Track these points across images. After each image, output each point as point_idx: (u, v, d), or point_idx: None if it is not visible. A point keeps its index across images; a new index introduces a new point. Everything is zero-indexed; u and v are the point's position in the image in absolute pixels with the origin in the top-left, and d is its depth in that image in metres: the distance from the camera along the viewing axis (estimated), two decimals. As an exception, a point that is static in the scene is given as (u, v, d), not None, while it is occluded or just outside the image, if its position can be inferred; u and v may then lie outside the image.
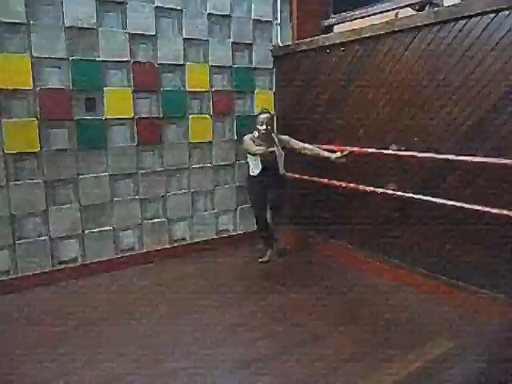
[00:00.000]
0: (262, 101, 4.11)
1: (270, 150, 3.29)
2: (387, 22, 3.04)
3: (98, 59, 3.27)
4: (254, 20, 4.00)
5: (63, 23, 3.12)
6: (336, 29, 4.07)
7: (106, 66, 3.33)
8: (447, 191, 2.77)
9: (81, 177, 3.33)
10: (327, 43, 3.54)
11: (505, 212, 2.45)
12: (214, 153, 3.96)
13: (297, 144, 3.48)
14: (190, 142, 3.81)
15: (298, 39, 4.04)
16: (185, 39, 3.64)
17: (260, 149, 3.29)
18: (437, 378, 2.11)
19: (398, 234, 3.19)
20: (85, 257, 3.44)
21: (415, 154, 2.90)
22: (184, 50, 3.65)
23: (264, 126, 3.36)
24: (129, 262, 3.61)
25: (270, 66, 4.16)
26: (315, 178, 3.72)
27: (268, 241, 3.73)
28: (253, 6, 3.99)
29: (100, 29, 3.25)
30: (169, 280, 3.34)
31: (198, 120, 3.82)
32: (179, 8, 3.59)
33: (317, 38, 3.67)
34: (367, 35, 3.18)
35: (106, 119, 3.37)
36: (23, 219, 3.17)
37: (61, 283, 3.28)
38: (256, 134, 3.43)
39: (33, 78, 3.06)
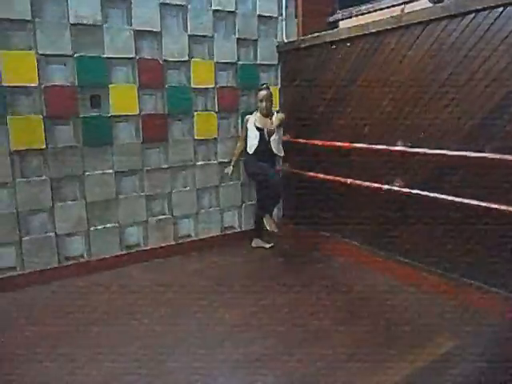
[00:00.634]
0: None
1: (269, 127, 3.56)
2: (393, 17, 3.01)
3: (103, 56, 3.27)
4: (259, 16, 3.98)
5: (68, 20, 3.12)
6: (341, 24, 4.04)
7: (111, 63, 3.32)
8: (452, 188, 2.75)
9: (86, 174, 3.34)
10: (333, 39, 3.52)
11: (510, 209, 2.42)
12: (219, 149, 3.95)
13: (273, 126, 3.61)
14: (195, 139, 3.81)
15: (303, 35, 4.02)
16: (190, 36, 3.63)
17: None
18: (438, 377, 2.09)
19: (401, 231, 3.17)
20: (90, 253, 3.45)
21: (421, 150, 2.87)
22: (189, 46, 3.64)
23: (264, 104, 3.56)
24: (134, 258, 3.62)
25: (275, 62, 4.15)
26: (319, 175, 3.71)
27: (265, 209, 3.71)
28: (258, 1, 3.96)
29: (105, 25, 3.25)
30: (172, 278, 3.34)
31: (203, 117, 3.81)
32: (184, 4, 3.58)
33: (322, 33, 3.65)
34: (373, 31, 3.16)
35: (111, 116, 3.37)
36: (29, 216, 3.18)
37: (66, 280, 3.29)
38: (256, 111, 3.65)
39: (38, 75, 3.06)
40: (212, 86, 3.81)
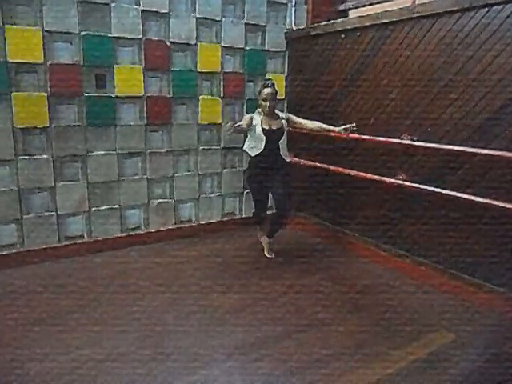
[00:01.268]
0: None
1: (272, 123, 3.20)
2: (405, 8, 2.97)
3: (109, 35, 3.23)
4: (268, 1, 3.92)
5: (76, -3, 3.08)
6: (351, 13, 4.00)
7: (118, 43, 3.29)
8: (456, 183, 2.74)
9: (89, 154, 3.33)
10: (342, 28, 3.48)
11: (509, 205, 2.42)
12: (222, 135, 3.93)
13: (297, 120, 3.31)
14: (199, 124, 3.78)
15: (312, 23, 3.98)
16: (198, 18, 3.58)
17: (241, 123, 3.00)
18: (437, 369, 2.11)
19: (402, 225, 3.17)
20: (91, 234, 3.45)
21: (427, 144, 2.86)
22: (196, 29, 3.59)
23: (268, 103, 3.15)
24: (134, 241, 3.62)
25: (283, 49, 4.10)
26: (323, 165, 3.70)
27: (264, 227, 3.49)
28: (268, -13, 3.92)
29: (112, 4, 3.20)
30: (173, 261, 3.36)
31: (208, 102, 3.78)
32: (193, -14, 3.53)
33: (332, 22, 3.61)
34: (383, 21, 3.12)
35: (115, 97, 3.34)
36: (31, 194, 3.17)
37: (66, 259, 3.30)
38: (260, 110, 3.25)
39: (44, 52, 3.03)
40: (218, 70, 3.77)
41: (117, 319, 2.50)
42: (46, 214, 3.25)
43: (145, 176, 3.62)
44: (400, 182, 3.06)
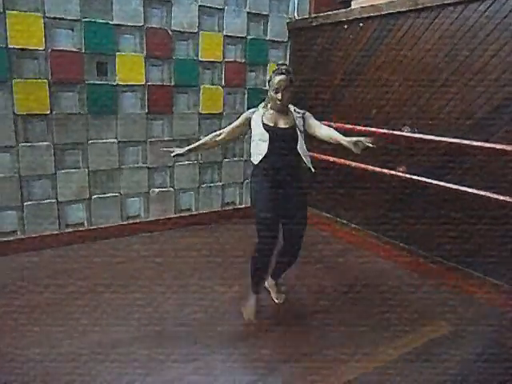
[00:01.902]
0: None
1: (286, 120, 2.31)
2: (409, -1, 2.96)
3: (111, 23, 3.21)
4: (271, -10, 3.90)
5: (77, -17, 3.05)
6: (354, 4, 3.96)
7: (120, 31, 3.27)
8: (457, 176, 2.75)
9: (90, 142, 3.33)
10: (345, 18, 3.46)
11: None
12: (223, 125, 3.91)
13: (312, 122, 2.40)
14: (201, 113, 3.78)
15: (315, 13, 3.95)
16: (200, 6, 3.56)
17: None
18: (433, 360, 2.14)
19: (402, 217, 3.19)
20: (91, 222, 3.47)
21: (428, 137, 2.86)
22: (199, 17, 3.57)
23: (280, 95, 2.27)
24: (134, 229, 3.64)
25: (285, 39, 4.08)
26: (323, 156, 3.70)
27: (260, 280, 2.46)
28: (271, -25, 3.89)
29: (114, -9, 3.19)
30: (173, 250, 3.37)
31: (210, 91, 3.77)
32: (196, -26, 3.50)
33: (335, 12, 3.59)
34: (387, 12, 3.11)
35: (117, 85, 3.33)
36: (32, 181, 3.18)
37: (66, 247, 3.32)
38: (267, 104, 2.40)
39: (45, 39, 3.01)
40: (220, 60, 3.76)
41: (116, 307, 2.52)
42: (47, 201, 3.26)
43: (145, 165, 3.62)
44: (400, 174, 3.07)
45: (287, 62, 4.13)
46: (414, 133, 2.95)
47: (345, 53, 3.51)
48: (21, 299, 2.56)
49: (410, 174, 3.01)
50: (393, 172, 3.12)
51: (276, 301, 2.64)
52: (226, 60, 3.79)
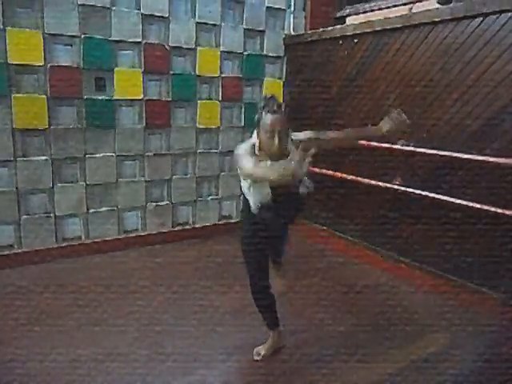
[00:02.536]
0: (271, 89, 4.10)
1: (286, 171, 1.60)
2: (402, 16, 3.03)
3: (109, 39, 3.26)
4: (267, 7, 3.96)
5: (76, 0, 3.10)
6: (349, 20, 4.05)
7: (118, 46, 3.32)
8: (452, 189, 2.78)
9: (88, 156, 3.35)
10: (340, 34, 3.52)
11: (508, 212, 2.46)
12: (220, 139, 3.96)
13: (325, 138, 2.20)
14: (198, 127, 3.81)
15: (310, 29, 4.02)
16: (197, 23, 3.62)
17: (268, 170, 1.73)
18: (435, 369, 2.14)
19: (398, 229, 3.21)
20: (88, 235, 3.47)
21: (423, 150, 2.90)
22: (196, 33, 3.63)
23: (276, 139, 1.85)
24: (132, 242, 3.64)
25: (281, 55, 4.14)
26: (320, 170, 3.73)
27: (271, 314, 2.25)
28: (267, -8, 3.96)
29: (113, 8, 3.23)
30: (171, 263, 3.37)
31: (207, 105, 3.81)
32: (193, -9, 3.57)
33: (330, 28, 3.65)
34: (380, 28, 3.17)
35: (115, 100, 3.37)
36: (29, 195, 3.18)
37: (64, 260, 3.31)
38: (256, 143, 1.96)
39: (44, 55, 3.05)
40: (217, 74, 3.81)
41: (116, 319, 2.52)
42: (44, 215, 3.26)
43: (143, 178, 3.64)
44: (396, 186, 3.10)
45: (283, 77, 4.18)
46: (409, 146, 2.99)
47: (340, 68, 3.57)
48: (17, 313, 2.54)
49: (405, 186, 3.04)
50: (388, 185, 3.15)
51: (279, 288, 2.42)
52: (223, 75, 3.84)
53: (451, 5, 2.74)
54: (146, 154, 3.60)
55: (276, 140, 1.85)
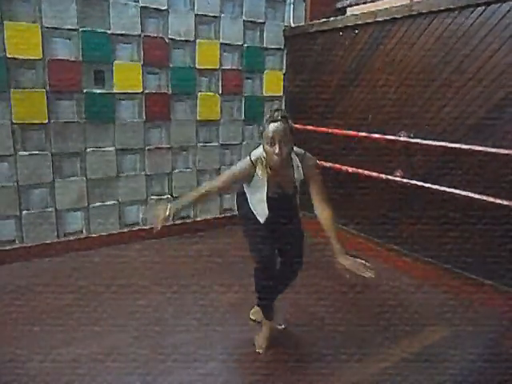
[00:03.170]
0: (272, 82, 4.08)
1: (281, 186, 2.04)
2: (403, 6, 2.99)
3: (108, 32, 3.24)
4: (267, -2, 3.93)
5: (74, -7, 3.08)
6: (349, 11, 4.01)
7: (117, 39, 3.29)
8: (455, 181, 2.77)
9: (88, 150, 3.34)
10: (340, 25, 3.49)
11: (510, 203, 2.44)
12: (221, 132, 3.94)
13: (318, 196, 2.12)
14: (198, 120, 3.79)
15: (310, 20, 3.99)
16: (196, 15, 3.59)
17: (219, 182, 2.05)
18: (433, 365, 2.13)
19: (400, 221, 3.20)
20: (90, 230, 3.47)
21: (424, 141, 2.88)
22: (195, 26, 3.60)
23: (277, 148, 1.87)
24: (133, 236, 3.63)
25: (281, 47, 4.11)
26: (320, 162, 3.71)
27: (269, 308, 2.28)
28: (267, -17, 3.92)
29: (111, 0, 3.20)
30: (172, 257, 3.37)
31: (207, 98, 3.79)
32: (192, -18, 3.53)
33: (330, 19, 3.62)
34: (381, 19, 3.14)
35: (114, 93, 3.35)
36: (30, 190, 3.18)
37: (65, 255, 3.31)
38: (262, 154, 1.99)
39: (42, 49, 3.03)
40: (216, 67, 3.78)
41: (116, 314, 2.52)
42: (45, 210, 3.26)
43: (143, 172, 3.63)
44: (397, 179, 3.09)
45: (284, 69, 4.15)
46: (410, 138, 2.97)
47: (341, 59, 3.54)
48: (18, 310, 2.54)
49: (407, 178, 3.03)
50: (390, 177, 3.13)
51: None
52: (223, 68, 3.81)
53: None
54: (147, 147, 3.59)
55: (277, 148, 1.86)
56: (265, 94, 4.08)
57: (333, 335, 2.36)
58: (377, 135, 3.19)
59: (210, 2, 3.62)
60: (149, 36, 3.41)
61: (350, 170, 3.43)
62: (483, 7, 2.52)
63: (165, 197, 3.75)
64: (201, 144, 3.86)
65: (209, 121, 3.85)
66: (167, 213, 1.94)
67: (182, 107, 3.71)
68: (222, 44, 3.76)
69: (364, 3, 3.81)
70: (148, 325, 2.42)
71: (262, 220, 2.11)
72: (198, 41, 3.63)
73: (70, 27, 3.09)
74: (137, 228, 3.68)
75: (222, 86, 3.83)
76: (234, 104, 3.97)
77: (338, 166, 3.54)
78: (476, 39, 2.59)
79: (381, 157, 3.25)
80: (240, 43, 3.86)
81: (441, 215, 2.91)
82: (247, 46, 3.90)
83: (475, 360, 2.14)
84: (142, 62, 3.42)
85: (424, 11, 2.83)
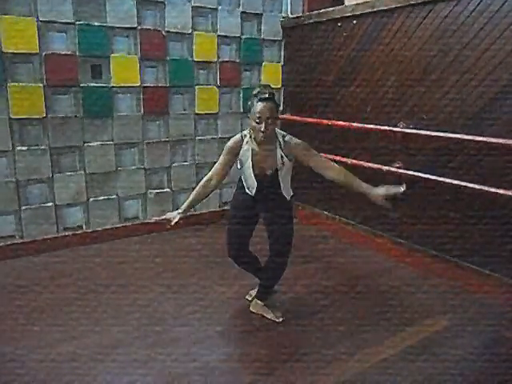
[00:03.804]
0: (270, 73, 4.06)
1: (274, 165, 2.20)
2: (402, -5, 2.97)
3: (105, 25, 3.21)
4: (264, -11, 3.90)
5: (70, -14, 3.05)
6: (347, 1, 3.97)
7: (113, 33, 3.27)
8: (453, 171, 2.76)
9: (86, 144, 3.33)
10: (338, 16, 3.47)
11: (509, 193, 2.44)
12: (219, 125, 3.93)
13: (322, 164, 2.21)
14: (196, 113, 3.78)
15: (308, 11, 3.96)
16: (193, 7, 3.56)
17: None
18: (430, 355, 2.14)
19: (401, 211, 3.20)
20: (89, 224, 3.47)
21: (423, 132, 2.87)
22: (192, 18, 3.57)
23: (263, 126, 2.03)
24: (132, 230, 3.64)
25: (279, 38, 4.08)
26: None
27: (255, 270, 2.54)
28: (264, -26, 3.89)
29: (107, -7, 3.19)
30: (172, 250, 3.38)
31: (205, 91, 3.77)
32: (188, -26, 3.50)
33: (328, 10, 3.59)
34: (379, 9, 3.11)
35: (112, 87, 3.34)
36: (28, 185, 3.18)
37: (65, 250, 3.32)
38: (249, 133, 2.20)
39: (39, 43, 3.01)
40: (214, 59, 3.76)
41: (115, 308, 2.52)
42: (45, 204, 3.26)
43: (142, 166, 3.62)
44: (396, 169, 3.08)
45: (282, 61, 4.13)
46: (409, 128, 2.96)
47: (339, 50, 3.52)
48: (18, 304, 2.55)
49: (405, 169, 3.02)
50: (388, 168, 3.13)
51: (277, 320, 2.41)
52: (221, 60, 3.79)
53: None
54: (145, 141, 3.58)
55: (262, 126, 2.03)
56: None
57: (332, 331, 2.35)
58: (374, 126, 3.18)
59: (207, -6, 3.60)
60: (145, 29, 3.39)
61: (349, 161, 3.42)
62: (482, -4, 2.50)
63: (164, 191, 3.75)
64: (199, 137, 3.85)
65: (207, 114, 3.84)
66: (176, 219, 2.29)
67: (180, 100, 3.69)
68: (219, 36, 3.74)
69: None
70: (148, 325, 2.38)
71: (252, 192, 2.28)
72: (195, 33, 3.61)
73: (66, 20, 3.07)
74: (136, 222, 3.68)
75: (219, 78, 3.82)
76: (233, 96, 3.96)
77: (336, 157, 3.53)
78: (474, 29, 2.56)
79: (380, 148, 3.24)
80: (238, 35, 3.83)
81: (442, 207, 2.91)
82: (245, 38, 3.87)
83: (475, 359, 2.13)
84: (139, 55, 3.40)
85: (422, 1, 2.80)
